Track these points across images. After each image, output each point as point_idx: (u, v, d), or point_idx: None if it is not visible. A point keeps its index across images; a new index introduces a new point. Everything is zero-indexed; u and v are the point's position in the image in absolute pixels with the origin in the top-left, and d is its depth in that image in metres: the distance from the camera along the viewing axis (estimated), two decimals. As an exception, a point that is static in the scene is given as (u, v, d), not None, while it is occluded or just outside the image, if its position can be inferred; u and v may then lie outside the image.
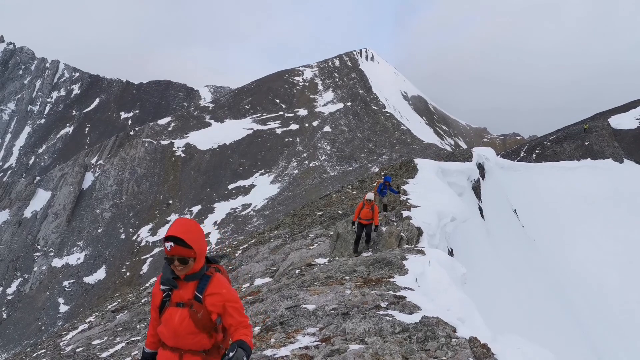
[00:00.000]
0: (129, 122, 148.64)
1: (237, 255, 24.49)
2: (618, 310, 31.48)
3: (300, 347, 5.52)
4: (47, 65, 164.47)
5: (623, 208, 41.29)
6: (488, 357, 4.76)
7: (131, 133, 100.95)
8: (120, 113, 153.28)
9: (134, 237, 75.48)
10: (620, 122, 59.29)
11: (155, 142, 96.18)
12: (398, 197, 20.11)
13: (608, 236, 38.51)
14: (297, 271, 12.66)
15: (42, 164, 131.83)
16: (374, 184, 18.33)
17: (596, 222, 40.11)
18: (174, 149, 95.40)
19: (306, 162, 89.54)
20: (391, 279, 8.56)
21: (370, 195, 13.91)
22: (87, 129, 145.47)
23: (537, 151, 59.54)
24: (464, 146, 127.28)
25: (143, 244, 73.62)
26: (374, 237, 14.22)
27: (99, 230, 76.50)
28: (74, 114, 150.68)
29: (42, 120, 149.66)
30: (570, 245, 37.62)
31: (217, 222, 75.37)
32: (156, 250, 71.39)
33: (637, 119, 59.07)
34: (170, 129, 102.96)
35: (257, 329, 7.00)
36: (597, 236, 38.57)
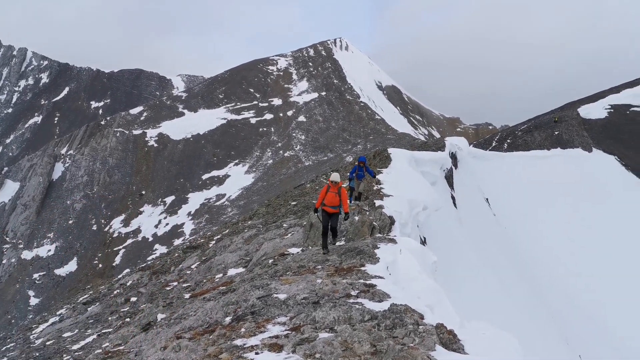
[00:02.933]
0: (100, 111, 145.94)
1: (211, 245, 24.39)
2: (585, 296, 32.33)
3: (270, 337, 5.55)
4: (15, 53, 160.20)
5: (591, 196, 42.27)
6: (454, 343, 4.86)
7: (102, 123, 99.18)
8: (91, 102, 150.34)
9: (106, 229, 74.46)
10: (589, 111, 60.49)
11: (127, 132, 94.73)
12: (374, 179, 20.20)
13: (577, 224, 39.40)
14: (270, 261, 12.67)
15: (10, 154, 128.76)
16: (348, 174, 18.28)
17: (565, 210, 40.98)
18: (146, 138, 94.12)
19: (281, 152, 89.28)
20: (362, 268, 8.64)
21: (336, 177, 11.56)
22: (56, 119, 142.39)
23: (508, 141, 60.45)
24: (438, 136, 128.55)
25: (115, 235, 72.71)
26: (346, 227, 13.85)
27: (70, 222, 75.23)
28: (42, 103, 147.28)
29: (10, 110, 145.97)
30: (540, 233, 38.39)
31: (191, 213, 74.82)
32: (129, 241, 70.59)
33: (606, 109, 60.36)
34: (142, 118, 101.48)
35: (228, 319, 7.01)
36: (566, 224, 39.44)
